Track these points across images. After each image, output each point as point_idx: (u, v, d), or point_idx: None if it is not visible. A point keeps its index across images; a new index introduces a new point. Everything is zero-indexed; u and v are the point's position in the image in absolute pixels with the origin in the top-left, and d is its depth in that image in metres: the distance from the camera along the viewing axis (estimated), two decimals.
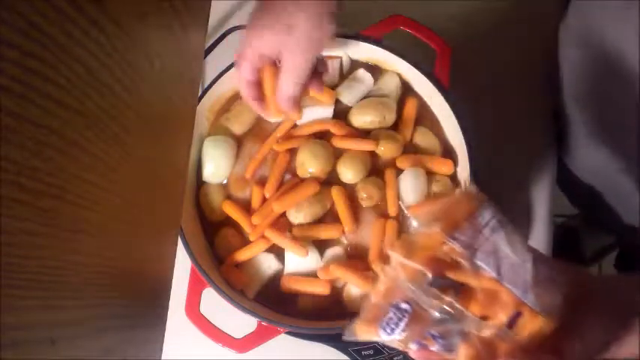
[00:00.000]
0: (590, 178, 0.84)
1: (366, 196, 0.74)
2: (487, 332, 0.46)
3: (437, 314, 0.47)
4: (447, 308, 0.47)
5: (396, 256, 0.49)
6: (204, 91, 0.79)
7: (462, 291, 0.47)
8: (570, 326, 0.47)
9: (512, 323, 0.45)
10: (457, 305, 0.47)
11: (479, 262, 0.46)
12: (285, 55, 0.65)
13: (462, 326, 0.47)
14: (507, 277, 0.45)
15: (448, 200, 0.50)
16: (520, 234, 0.48)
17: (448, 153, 0.77)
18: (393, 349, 0.72)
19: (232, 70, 0.80)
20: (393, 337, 0.48)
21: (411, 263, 0.48)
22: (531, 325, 0.45)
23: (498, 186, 0.78)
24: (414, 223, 0.51)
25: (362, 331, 0.50)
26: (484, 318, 0.46)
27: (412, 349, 0.48)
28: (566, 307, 0.46)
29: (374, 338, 0.49)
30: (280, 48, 0.65)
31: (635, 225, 0.80)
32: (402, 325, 0.47)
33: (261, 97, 0.70)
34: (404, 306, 0.48)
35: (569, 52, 0.78)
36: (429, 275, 0.47)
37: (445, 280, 0.47)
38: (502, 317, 0.46)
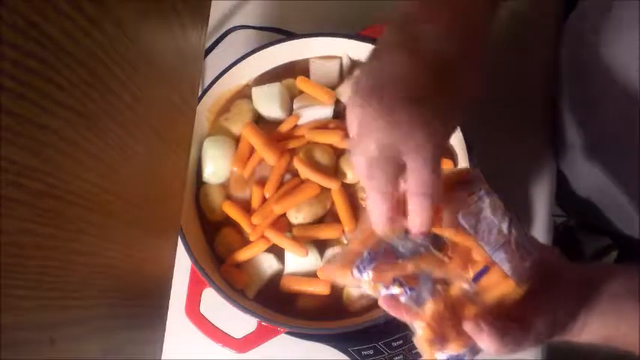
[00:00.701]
0: (587, 191, 0.84)
1: (366, 196, 0.74)
2: (456, 287, 0.48)
3: (408, 253, 0.49)
4: (421, 249, 0.48)
5: None
6: (204, 91, 0.79)
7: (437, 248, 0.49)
8: (540, 299, 0.47)
9: (477, 277, 0.47)
10: (431, 248, 0.48)
11: (460, 220, 0.47)
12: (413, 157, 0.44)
13: (431, 272, 0.48)
14: (482, 235, 0.47)
15: (444, 171, 0.50)
16: (502, 202, 0.49)
17: (448, 153, 0.77)
18: (393, 349, 0.72)
19: (232, 70, 0.80)
20: (364, 276, 0.49)
21: None
22: (500, 287, 0.47)
23: (498, 186, 0.78)
24: None
25: (337, 272, 0.52)
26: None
27: (381, 294, 0.49)
28: (536, 278, 0.47)
29: (347, 278, 0.50)
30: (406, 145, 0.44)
31: (634, 236, 0.80)
32: (374, 264, 0.49)
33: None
34: (377, 247, 0.50)
35: (568, 71, 0.78)
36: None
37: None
38: (470, 271, 0.47)
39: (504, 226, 0.47)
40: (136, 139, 0.42)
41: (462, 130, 0.72)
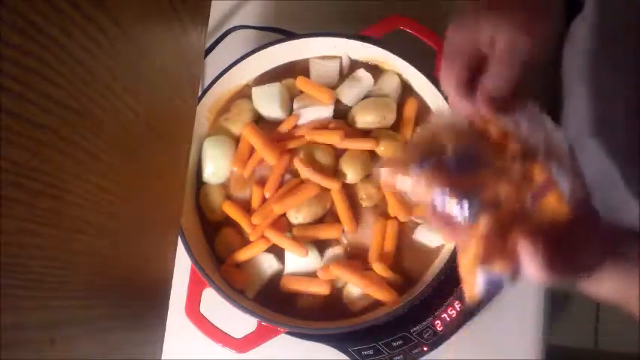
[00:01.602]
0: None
1: (366, 196, 0.74)
2: (507, 204, 0.47)
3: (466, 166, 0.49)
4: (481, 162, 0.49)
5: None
6: (204, 91, 0.79)
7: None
8: (582, 233, 0.47)
9: (537, 195, 0.47)
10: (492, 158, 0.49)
11: (527, 136, 0.49)
12: (501, 37, 0.52)
13: (489, 185, 0.48)
14: (549, 155, 0.48)
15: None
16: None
17: None
18: (393, 349, 0.72)
19: (232, 70, 0.80)
20: (422, 171, 0.49)
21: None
22: (554, 208, 0.46)
23: None
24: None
25: (399, 166, 0.51)
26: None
27: (434, 200, 0.49)
28: (582, 211, 0.47)
29: (403, 176, 0.50)
30: (496, 30, 0.52)
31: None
32: (433, 160, 0.49)
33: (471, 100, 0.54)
34: (437, 153, 0.50)
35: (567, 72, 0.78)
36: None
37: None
38: (530, 188, 0.47)
39: (569, 152, 0.48)
40: (136, 139, 0.42)
41: None
